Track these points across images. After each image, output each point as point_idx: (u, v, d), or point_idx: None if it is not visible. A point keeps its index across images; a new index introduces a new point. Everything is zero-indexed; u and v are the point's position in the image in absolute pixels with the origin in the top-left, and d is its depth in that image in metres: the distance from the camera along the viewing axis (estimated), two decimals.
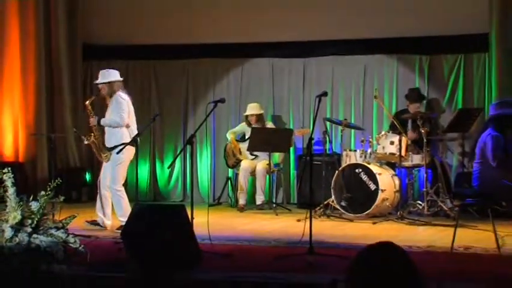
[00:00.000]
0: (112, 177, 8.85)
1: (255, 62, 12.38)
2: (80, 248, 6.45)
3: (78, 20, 12.65)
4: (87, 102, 9.25)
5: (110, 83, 8.99)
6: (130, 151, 8.84)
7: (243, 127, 11.65)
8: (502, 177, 7.20)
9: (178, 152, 11.98)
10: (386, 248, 2.82)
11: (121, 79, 9.16)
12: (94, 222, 8.90)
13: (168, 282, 5.87)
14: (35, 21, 12.42)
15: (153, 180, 12.66)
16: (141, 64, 12.75)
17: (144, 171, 12.49)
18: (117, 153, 8.75)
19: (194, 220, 7.06)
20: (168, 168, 12.20)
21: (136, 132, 8.93)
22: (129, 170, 11.34)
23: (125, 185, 9.09)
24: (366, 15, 11.62)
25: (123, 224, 8.38)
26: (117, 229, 8.55)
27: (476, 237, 8.21)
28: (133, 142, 8.68)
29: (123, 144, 8.71)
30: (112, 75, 9.05)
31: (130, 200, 8.90)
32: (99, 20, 12.79)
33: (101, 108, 9.75)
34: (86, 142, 9.13)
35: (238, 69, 12.45)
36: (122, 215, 8.70)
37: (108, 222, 8.92)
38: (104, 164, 9.03)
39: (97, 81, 9.11)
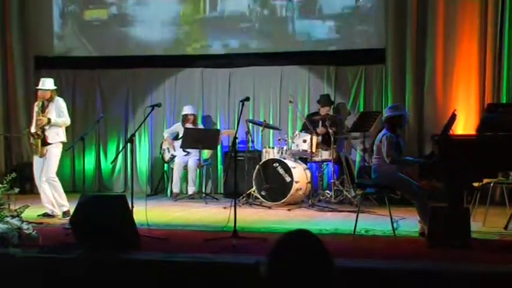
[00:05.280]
0: (49, 168, 8.70)
1: (187, 71, 12.31)
2: (33, 233, 6.33)
3: (31, 35, 12.45)
4: (36, 105, 9.05)
5: (51, 90, 8.90)
6: (62, 146, 8.79)
7: (177, 127, 11.59)
8: (396, 170, 7.30)
9: (120, 149, 11.87)
10: (303, 234, 2.82)
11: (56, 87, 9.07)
12: (45, 215, 8.71)
13: (111, 262, 5.79)
14: None
15: (98, 173, 12.48)
16: (87, 73, 12.56)
17: (90, 165, 12.29)
18: (66, 150, 8.65)
19: (134, 208, 7.00)
20: (111, 163, 12.06)
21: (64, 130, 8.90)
22: (77, 165, 11.18)
23: (73, 178, 8.95)
24: (283, 30, 11.67)
25: (65, 208, 8.39)
26: (63, 215, 8.48)
27: (375, 221, 8.32)
28: (81, 140, 8.55)
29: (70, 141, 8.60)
30: (51, 83, 8.97)
31: (77, 192, 8.76)
32: (49, 35, 12.56)
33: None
34: (31, 141, 8.95)
35: (172, 77, 12.36)
36: (62, 199, 8.70)
37: (56, 210, 8.75)
38: (36, 161, 8.84)
39: (41, 87, 8.91)
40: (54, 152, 8.77)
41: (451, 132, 7.28)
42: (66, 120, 8.92)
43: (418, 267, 5.61)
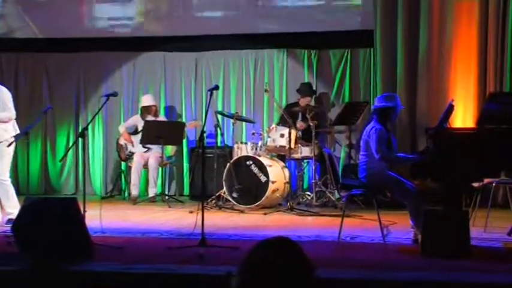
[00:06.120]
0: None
1: (147, 55, 12.28)
2: None
3: None
4: None
5: None
6: (14, 143, 8.67)
7: (135, 120, 11.55)
8: (386, 169, 7.33)
9: (70, 145, 11.80)
10: (280, 242, 2.81)
11: None
12: None
13: (58, 275, 5.75)
14: None
15: (45, 173, 12.41)
16: (31, 57, 12.47)
17: (35, 164, 12.21)
18: (8, 146, 8.54)
19: (86, 213, 6.96)
20: (60, 161, 12.00)
21: (16, 125, 8.72)
22: (20, 163, 11.04)
23: (16, 178, 8.86)
24: (255, 10, 11.68)
25: (12, 216, 8.23)
26: (7, 222, 8.36)
27: (363, 226, 8.36)
28: (24, 134, 8.46)
29: (16, 136, 8.49)
30: None
31: (21, 194, 8.69)
32: None
33: None
34: None
35: (130, 62, 12.33)
36: (11, 206, 8.52)
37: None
38: None
39: None
40: (5, 151, 8.54)
41: (447, 125, 7.33)
42: (11, 114, 8.64)
43: (410, 278, 5.64)
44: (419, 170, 7.11)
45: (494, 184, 8.26)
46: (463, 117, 10.26)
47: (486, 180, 8.08)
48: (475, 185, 8.19)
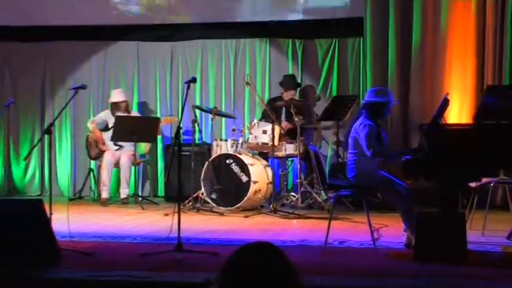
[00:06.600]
0: None
1: (119, 45, 12.25)
2: None
3: None
4: None
5: None
6: None
7: (106, 115, 11.51)
8: (377, 168, 7.35)
9: (35, 142, 11.75)
10: (263, 247, 2.81)
11: None
12: None
13: (23, 282, 5.74)
14: None
15: (8, 174, 12.38)
16: None
17: None
18: None
19: (53, 216, 6.93)
20: (24, 160, 11.90)
21: None
22: None
23: None
24: None
25: None
26: None
27: (352, 230, 8.38)
28: None
29: None
30: None
31: None
32: None
33: None
34: None
35: (101, 53, 12.30)
36: None
37: None
38: None
39: None
40: None
41: (442, 120, 7.35)
42: None
43: (403, 285, 5.66)
44: (412, 169, 7.11)
45: (492, 184, 8.28)
46: (459, 112, 10.30)
47: (484, 180, 8.12)
48: (472, 184, 8.22)
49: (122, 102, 11.39)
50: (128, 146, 11.17)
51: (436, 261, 6.39)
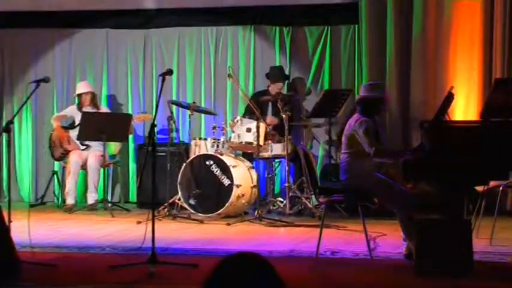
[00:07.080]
0: None
1: (86, 33, 12.23)
2: None
3: None
4: None
5: None
6: None
7: (72, 111, 11.50)
8: (373, 170, 7.37)
9: None
10: (248, 259, 2.82)
11: None
12: None
13: None
14: None
15: None
16: None
17: None
18: None
19: (12, 224, 6.94)
20: None
21: None
22: None
23: None
24: None
25: None
26: None
27: (345, 239, 8.41)
28: None
29: None
30: None
31: None
32: None
33: None
34: None
35: (65, 41, 12.27)
36: None
37: None
38: None
39: None
40: None
41: (446, 117, 7.39)
42: None
43: None
44: (413, 171, 7.14)
45: (501, 188, 8.34)
46: (465, 108, 10.35)
47: (492, 183, 8.16)
48: (479, 188, 8.26)
49: (87, 93, 11.35)
50: (96, 146, 11.16)
51: (438, 273, 6.42)
